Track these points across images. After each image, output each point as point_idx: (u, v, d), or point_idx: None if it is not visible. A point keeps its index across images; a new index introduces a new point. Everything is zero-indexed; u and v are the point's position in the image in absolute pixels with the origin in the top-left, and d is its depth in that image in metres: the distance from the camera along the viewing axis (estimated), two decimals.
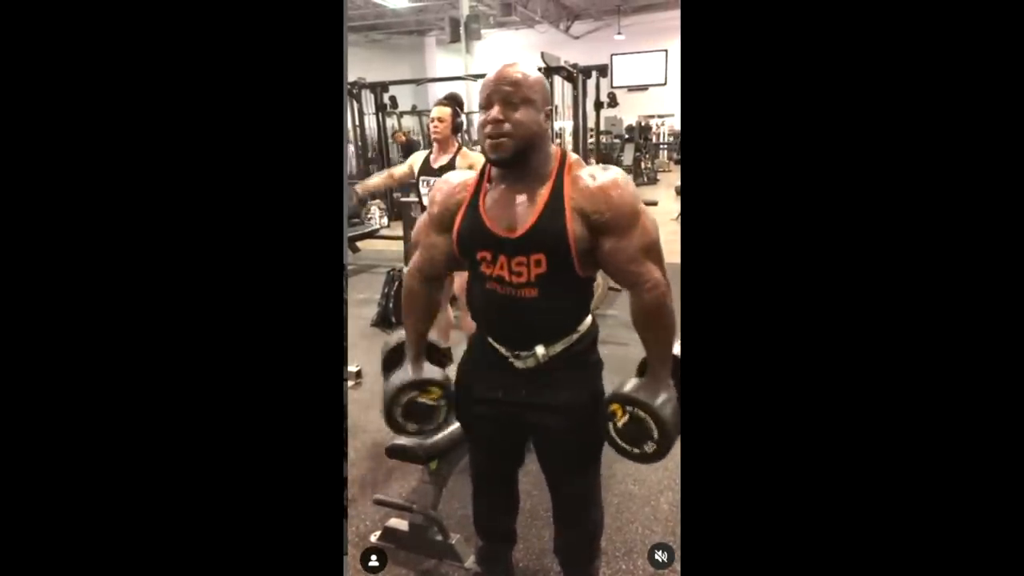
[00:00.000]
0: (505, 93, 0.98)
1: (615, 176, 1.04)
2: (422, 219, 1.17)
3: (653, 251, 1.04)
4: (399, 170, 2.81)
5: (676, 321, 1.03)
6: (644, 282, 1.03)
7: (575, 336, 1.11)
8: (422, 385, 1.15)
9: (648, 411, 1.04)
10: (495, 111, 0.98)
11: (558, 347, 1.10)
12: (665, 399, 1.05)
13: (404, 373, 1.17)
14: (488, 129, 0.99)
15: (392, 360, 1.23)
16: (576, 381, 1.13)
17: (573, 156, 1.07)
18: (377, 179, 2.93)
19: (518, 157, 1.00)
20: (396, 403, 1.15)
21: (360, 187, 2.97)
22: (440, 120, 2.55)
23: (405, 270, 1.20)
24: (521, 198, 1.03)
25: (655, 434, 1.04)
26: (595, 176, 1.03)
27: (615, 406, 1.07)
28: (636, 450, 1.07)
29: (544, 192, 1.02)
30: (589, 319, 1.15)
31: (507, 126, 0.98)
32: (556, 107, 7.46)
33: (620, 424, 1.07)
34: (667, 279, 1.05)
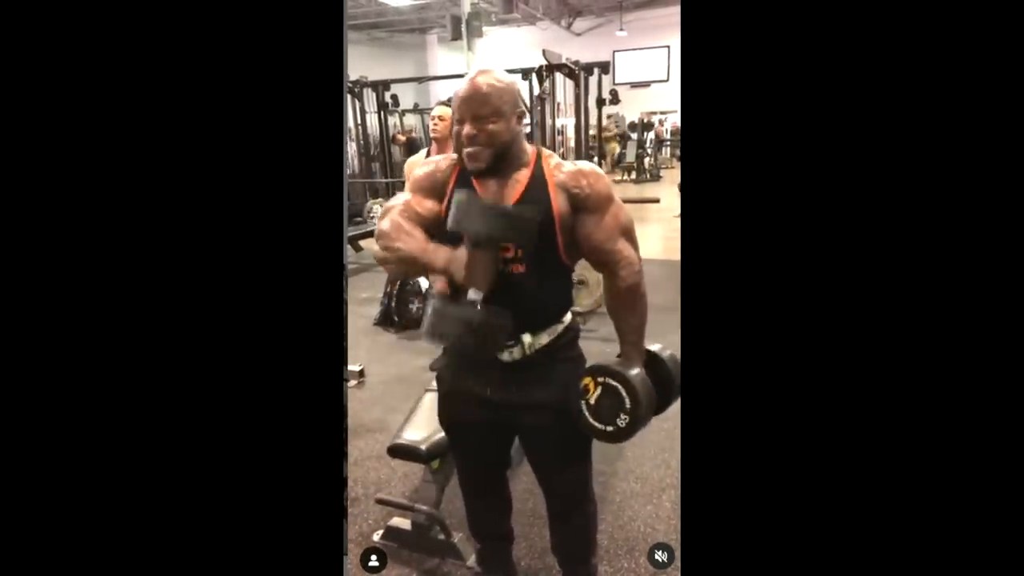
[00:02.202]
0: (475, 109, 1.01)
1: (591, 164, 1.12)
2: (403, 194, 1.13)
3: (628, 233, 1.10)
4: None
5: (647, 305, 1.12)
6: (620, 260, 1.08)
7: (559, 328, 1.13)
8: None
9: (620, 380, 1.05)
10: (468, 128, 1.02)
11: (543, 338, 1.11)
12: (638, 372, 1.08)
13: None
14: (464, 142, 1.03)
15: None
16: (561, 376, 1.13)
17: (547, 151, 1.12)
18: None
19: (494, 164, 1.05)
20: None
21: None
22: (441, 119, 2.55)
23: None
24: (505, 180, 1.07)
25: (627, 404, 1.05)
26: (572, 163, 1.11)
27: (587, 380, 1.08)
28: (609, 427, 1.07)
29: (526, 173, 1.07)
30: (570, 314, 1.17)
31: (481, 138, 1.02)
32: (558, 105, 7.48)
33: (593, 399, 1.08)
34: (640, 262, 1.11)
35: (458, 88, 1.04)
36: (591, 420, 1.08)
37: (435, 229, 1.07)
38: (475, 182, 1.07)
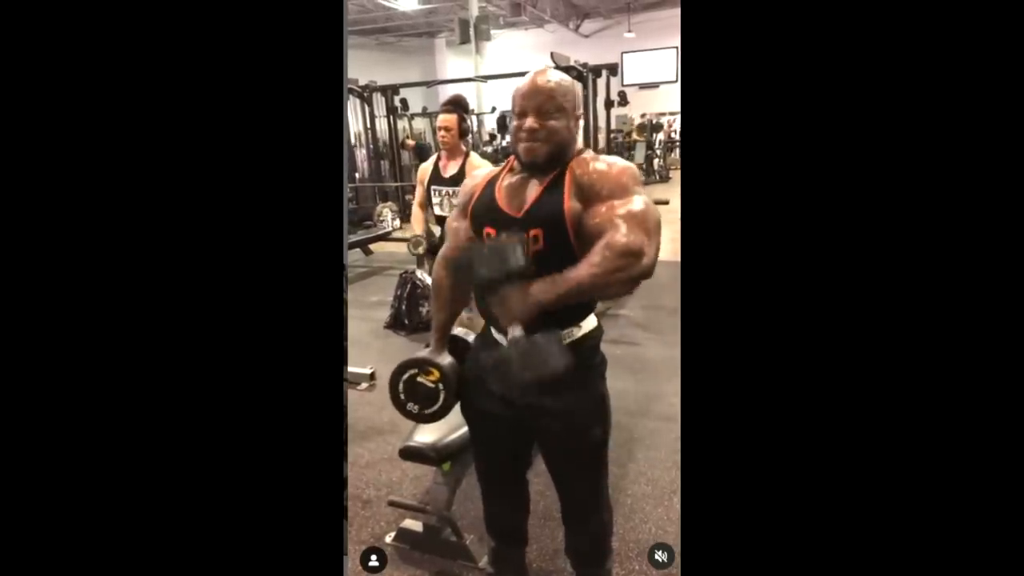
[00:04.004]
0: (539, 103, 1.03)
1: (618, 160, 1.08)
2: (454, 210, 1.24)
3: (637, 219, 0.96)
4: (418, 197, 2.80)
5: (604, 281, 0.93)
6: (614, 229, 0.95)
7: (577, 332, 1.12)
8: (423, 364, 1.21)
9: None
10: (530, 120, 1.03)
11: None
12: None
13: (418, 353, 1.24)
14: (523, 136, 1.04)
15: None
16: (579, 382, 1.12)
17: (589, 152, 1.12)
18: (417, 220, 2.87)
19: (550, 161, 1.05)
20: (399, 378, 1.23)
21: (414, 241, 2.93)
22: (447, 129, 2.52)
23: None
24: (533, 182, 1.08)
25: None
26: (600, 158, 1.08)
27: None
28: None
29: (551, 176, 1.07)
30: (593, 320, 1.15)
31: (542, 133, 1.03)
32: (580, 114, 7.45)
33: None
34: (649, 252, 0.94)
35: (519, 85, 1.06)
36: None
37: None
38: (498, 188, 1.11)
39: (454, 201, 2.63)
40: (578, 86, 1.10)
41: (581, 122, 1.11)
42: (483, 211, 1.12)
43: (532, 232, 1.04)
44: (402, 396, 1.22)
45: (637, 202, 0.98)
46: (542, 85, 1.03)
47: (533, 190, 1.07)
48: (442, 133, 2.55)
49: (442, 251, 1.24)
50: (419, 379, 1.21)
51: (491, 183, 1.14)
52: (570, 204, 1.03)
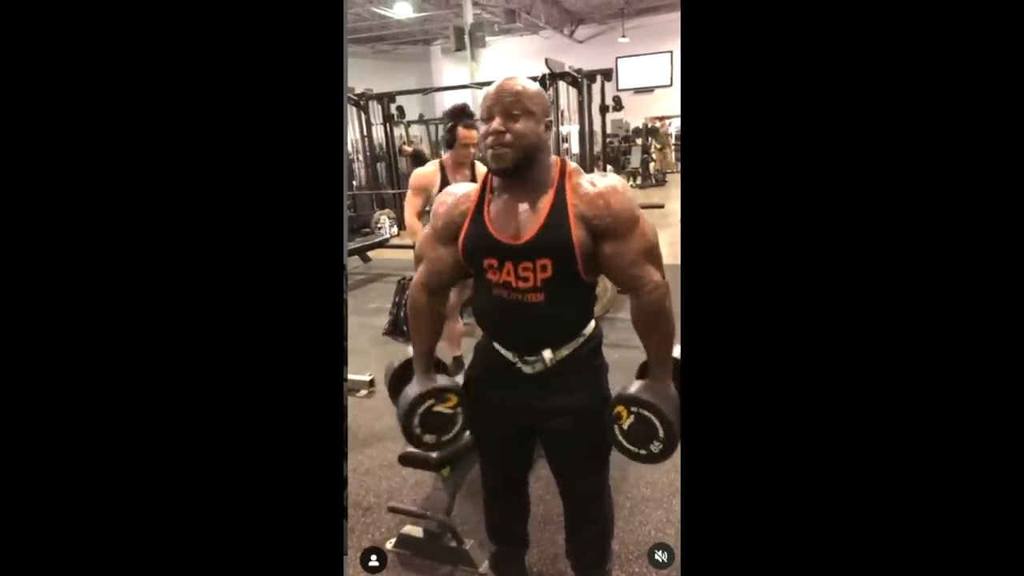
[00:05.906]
0: (506, 105, 1.01)
1: (614, 183, 1.08)
2: (426, 233, 1.19)
3: (652, 254, 1.08)
4: (416, 207, 2.64)
5: (675, 323, 1.06)
6: (644, 284, 1.06)
7: (580, 340, 1.14)
8: (438, 393, 1.17)
9: (653, 411, 1.06)
10: (496, 123, 1.02)
11: (564, 351, 1.12)
12: (669, 398, 1.08)
13: (416, 386, 1.18)
14: (490, 140, 1.02)
15: (399, 378, 1.25)
16: (583, 384, 1.15)
17: (572, 164, 1.10)
18: (417, 232, 2.71)
19: (519, 167, 1.03)
20: (413, 414, 1.17)
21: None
22: (475, 145, 2.42)
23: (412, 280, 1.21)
24: (524, 206, 1.06)
25: (661, 433, 1.06)
26: (595, 183, 1.07)
27: (620, 408, 1.09)
28: (643, 451, 1.09)
29: (547, 200, 1.05)
30: (593, 323, 1.17)
31: (508, 136, 1.01)
32: (562, 112, 7.51)
33: (626, 426, 1.09)
34: (666, 281, 1.08)
35: (487, 89, 1.05)
36: (625, 444, 1.11)
37: (453, 272, 1.15)
38: (487, 217, 1.07)
39: None
40: (546, 94, 1.09)
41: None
42: (476, 243, 1.08)
43: (540, 261, 1.04)
44: (418, 430, 1.18)
45: (644, 231, 1.06)
46: (509, 87, 1.02)
47: (529, 215, 1.05)
48: (473, 150, 2.45)
49: (418, 277, 1.18)
50: (436, 409, 1.16)
51: (478, 209, 1.09)
52: (578, 235, 1.03)
